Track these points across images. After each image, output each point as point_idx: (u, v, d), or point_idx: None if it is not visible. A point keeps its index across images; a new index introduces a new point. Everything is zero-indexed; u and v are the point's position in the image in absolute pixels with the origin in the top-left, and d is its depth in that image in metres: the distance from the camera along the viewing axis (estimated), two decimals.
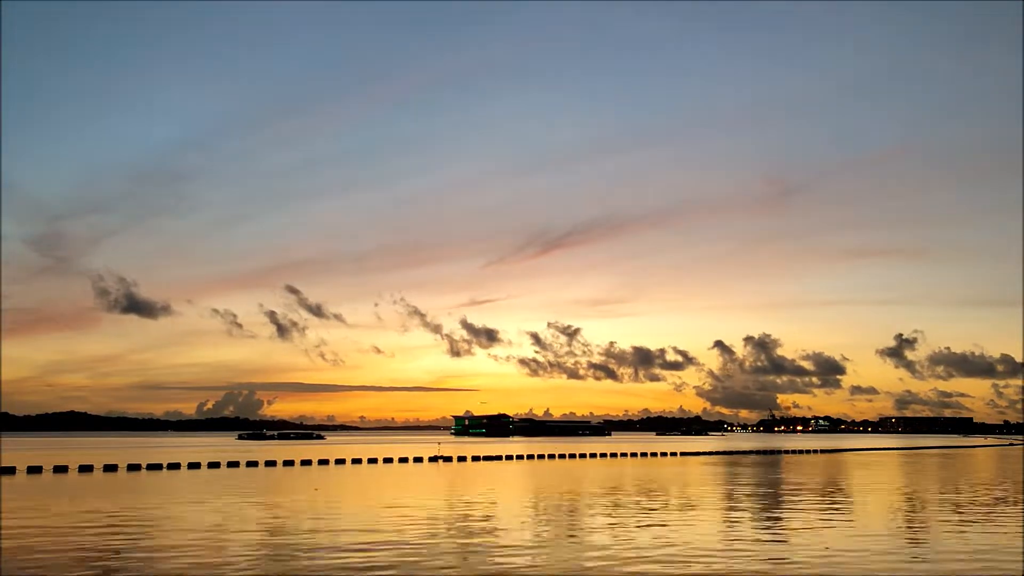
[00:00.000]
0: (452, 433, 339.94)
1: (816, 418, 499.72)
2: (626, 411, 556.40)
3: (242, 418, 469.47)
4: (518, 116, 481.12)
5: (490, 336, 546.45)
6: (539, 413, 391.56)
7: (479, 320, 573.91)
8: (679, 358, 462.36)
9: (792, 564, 21.65)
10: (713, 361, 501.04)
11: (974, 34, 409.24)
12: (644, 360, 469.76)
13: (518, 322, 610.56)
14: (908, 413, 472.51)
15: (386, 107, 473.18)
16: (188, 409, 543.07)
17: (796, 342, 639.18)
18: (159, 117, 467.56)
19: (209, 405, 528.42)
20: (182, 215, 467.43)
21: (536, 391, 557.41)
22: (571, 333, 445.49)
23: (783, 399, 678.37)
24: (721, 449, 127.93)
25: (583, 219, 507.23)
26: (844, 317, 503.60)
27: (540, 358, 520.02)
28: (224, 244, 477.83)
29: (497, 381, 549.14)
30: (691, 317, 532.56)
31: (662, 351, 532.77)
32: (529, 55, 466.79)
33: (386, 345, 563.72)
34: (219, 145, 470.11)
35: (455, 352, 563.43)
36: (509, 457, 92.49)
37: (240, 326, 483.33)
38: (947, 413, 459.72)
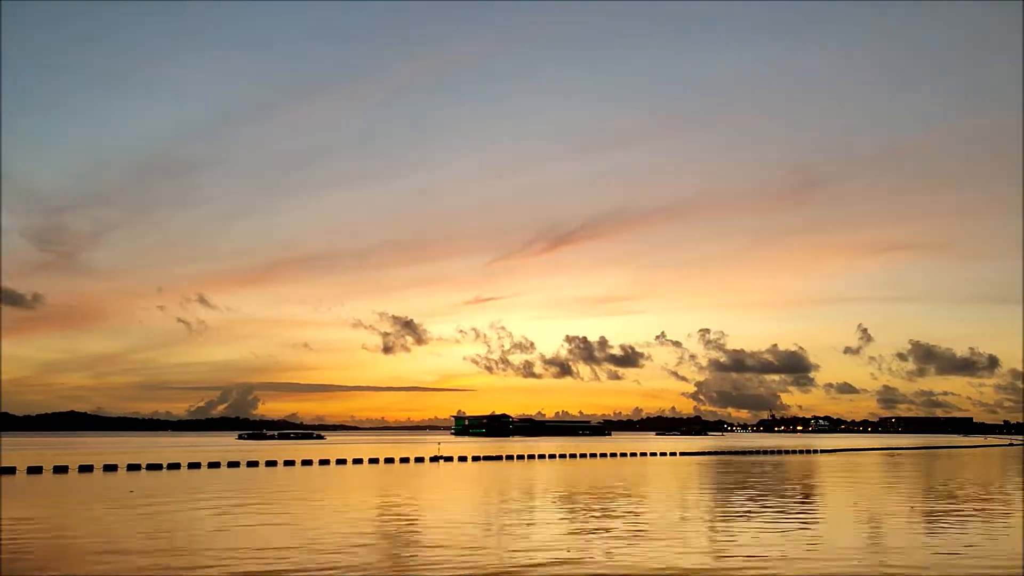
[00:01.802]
0: (452, 433, 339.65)
1: (816, 418, 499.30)
2: (617, 411, 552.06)
3: (232, 418, 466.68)
4: (531, 104, 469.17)
5: (488, 337, 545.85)
6: (539, 413, 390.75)
7: (483, 319, 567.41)
8: (678, 356, 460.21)
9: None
10: (714, 361, 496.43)
11: (1008, 23, 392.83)
12: (639, 358, 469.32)
13: (523, 320, 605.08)
14: (900, 412, 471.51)
15: (394, 94, 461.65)
16: (183, 409, 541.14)
17: (799, 340, 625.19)
18: (164, 104, 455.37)
19: (200, 404, 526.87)
20: (187, 207, 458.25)
21: (534, 391, 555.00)
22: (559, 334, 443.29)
23: (785, 398, 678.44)
24: (716, 449, 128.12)
25: (595, 213, 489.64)
26: (858, 315, 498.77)
27: (532, 357, 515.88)
28: (228, 238, 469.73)
29: (495, 382, 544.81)
30: (702, 315, 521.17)
31: (659, 350, 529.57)
32: (542, 41, 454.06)
33: (378, 345, 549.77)
34: (226, 133, 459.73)
35: (449, 352, 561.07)
36: (509, 457, 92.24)
37: (237, 324, 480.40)
38: (938, 412, 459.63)
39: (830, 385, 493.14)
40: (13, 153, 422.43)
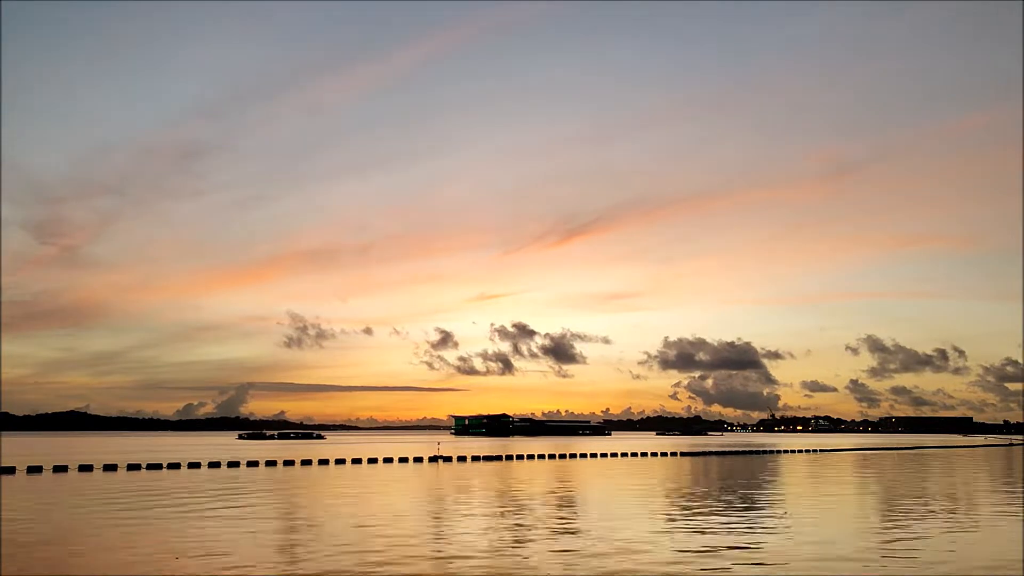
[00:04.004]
0: (452, 433, 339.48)
1: (816, 418, 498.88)
2: (607, 409, 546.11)
3: (232, 417, 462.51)
4: (546, 87, 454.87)
5: (490, 335, 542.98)
6: (531, 413, 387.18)
7: (488, 316, 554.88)
8: (678, 353, 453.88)
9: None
10: (719, 359, 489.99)
11: None
12: (639, 356, 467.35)
13: (529, 317, 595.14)
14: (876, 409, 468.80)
15: (401, 77, 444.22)
16: (184, 408, 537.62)
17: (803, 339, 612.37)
18: (169, 86, 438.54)
19: (201, 403, 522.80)
20: (194, 197, 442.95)
21: (529, 391, 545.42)
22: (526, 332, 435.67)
23: (787, 397, 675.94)
24: (706, 449, 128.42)
25: (611, 203, 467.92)
26: (882, 312, 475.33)
27: (530, 355, 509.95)
28: (235, 230, 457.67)
29: (493, 381, 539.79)
30: (718, 312, 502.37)
31: (658, 347, 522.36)
32: (555, 22, 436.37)
33: (374, 344, 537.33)
34: (233, 116, 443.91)
35: (446, 351, 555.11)
36: (509, 458, 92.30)
37: (239, 321, 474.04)
38: (925, 410, 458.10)
39: (825, 383, 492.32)
40: (11, 139, 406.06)
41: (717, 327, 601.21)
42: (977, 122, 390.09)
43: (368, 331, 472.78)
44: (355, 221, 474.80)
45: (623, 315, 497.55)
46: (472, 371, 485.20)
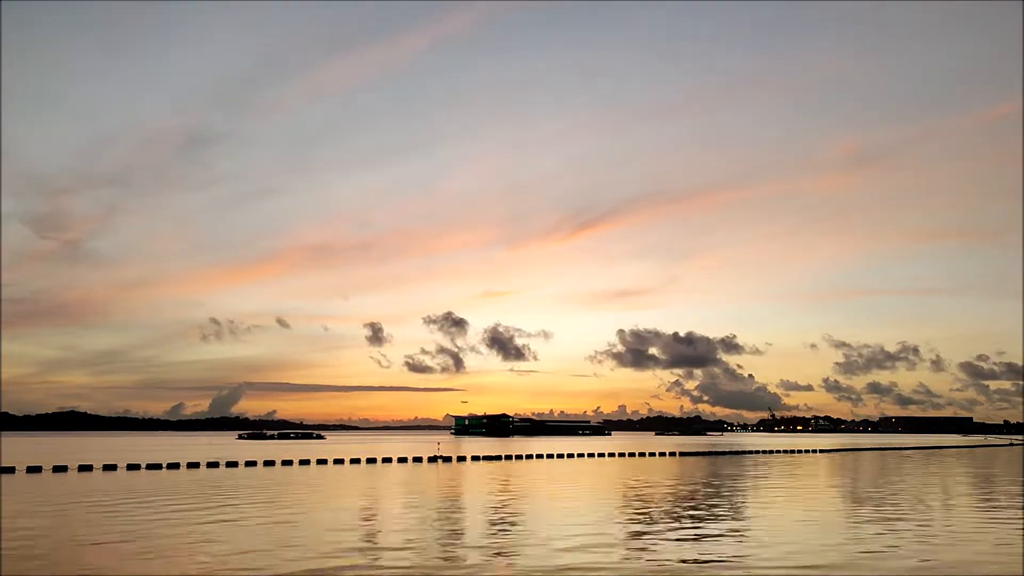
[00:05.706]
0: (452, 433, 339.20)
1: (816, 418, 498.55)
2: (598, 407, 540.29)
3: (232, 417, 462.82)
4: (563, 76, 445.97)
5: (492, 334, 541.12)
6: (522, 412, 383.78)
7: (491, 314, 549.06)
8: (677, 352, 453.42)
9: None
10: (718, 357, 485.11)
11: None
12: (637, 357, 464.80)
13: (533, 315, 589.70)
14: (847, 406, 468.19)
15: (404, 64, 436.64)
16: (186, 407, 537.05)
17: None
18: (174, 74, 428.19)
19: (204, 402, 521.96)
20: (200, 188, 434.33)
21: (524, 390, 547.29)
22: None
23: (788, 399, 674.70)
24: (695, 449, 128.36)
25: (623, 196, 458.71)
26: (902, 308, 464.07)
27: (532, 353, 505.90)
28: (241, 224, 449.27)
29: (492, 381, 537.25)
30: (718, 311, 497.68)
31: (658, 345, 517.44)
32: (569, 7, 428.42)
33: (370, 343, 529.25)
34: (240, 104, 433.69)
35: (445, 350, 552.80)
36: (509, 457, 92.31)
37: (235, 321, 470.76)
38: (913, 409, 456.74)
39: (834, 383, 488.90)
40: (10, 129, 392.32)
41: (717, 326, 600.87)
42: (985, 117, 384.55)
43: (370, 329, 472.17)
44: (357, 216, 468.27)
45: (624, 313, 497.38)
46: (470, 371, 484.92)
